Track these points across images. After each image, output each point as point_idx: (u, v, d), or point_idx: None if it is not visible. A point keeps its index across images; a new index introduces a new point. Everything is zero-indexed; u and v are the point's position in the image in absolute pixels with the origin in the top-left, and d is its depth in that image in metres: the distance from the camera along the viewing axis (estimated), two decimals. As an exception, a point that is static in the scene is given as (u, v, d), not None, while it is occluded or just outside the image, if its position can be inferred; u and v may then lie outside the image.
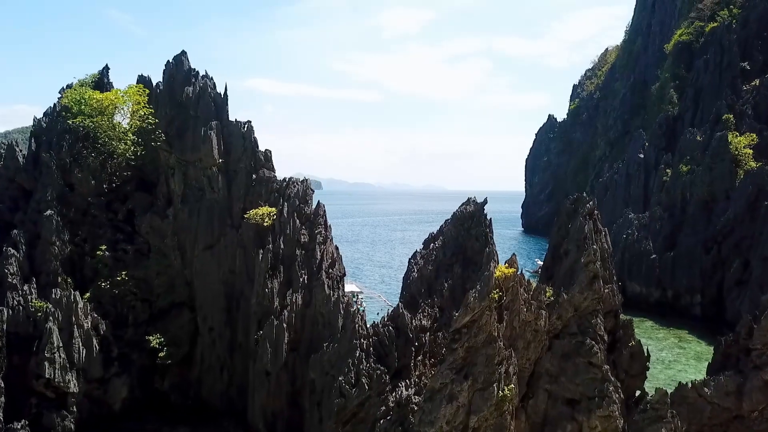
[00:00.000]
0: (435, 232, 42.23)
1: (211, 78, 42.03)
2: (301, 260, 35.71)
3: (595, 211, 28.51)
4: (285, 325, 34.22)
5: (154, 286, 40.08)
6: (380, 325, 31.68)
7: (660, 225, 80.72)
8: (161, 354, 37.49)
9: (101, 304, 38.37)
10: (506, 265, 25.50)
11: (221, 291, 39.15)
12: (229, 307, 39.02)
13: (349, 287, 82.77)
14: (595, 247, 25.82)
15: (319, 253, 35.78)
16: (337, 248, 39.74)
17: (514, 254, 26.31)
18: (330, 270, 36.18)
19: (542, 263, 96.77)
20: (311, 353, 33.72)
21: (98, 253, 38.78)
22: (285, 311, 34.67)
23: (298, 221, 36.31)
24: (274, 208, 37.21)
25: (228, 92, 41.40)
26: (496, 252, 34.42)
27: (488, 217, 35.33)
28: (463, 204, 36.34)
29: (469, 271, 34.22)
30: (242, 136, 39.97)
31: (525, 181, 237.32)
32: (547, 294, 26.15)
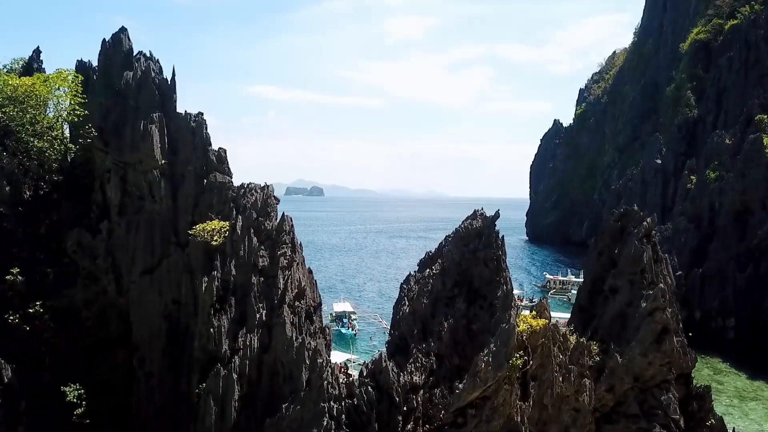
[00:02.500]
0: (432, 251, 34.28)
1: (157, 60, 34.12)
2: (258, 290, 27.68)
3: (654, 231, 20.43)
4: (235, 376, 26.17)
5: (81, 319, 32.05)
6: (356, 384, 23.65)
7: (685, 238, 72.62)
8: (79, 410, 29.39)
9: (11, 343, 30.34)
10: (533, 313, 17.44)
11: (163, 326, 31.05)
12: (171, 348, 30.92)
13: (342, 306, 74.66)
14: (662, 286, 17.76)
15: (282, 280, 27.74)
16: (310, 271, 31.70)
17: (543, 298, 18.36)
18: (296, 303, 28.12)
19: (551, 276, 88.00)
20: (270, 413, 25.72)
21: (8, 277, 30.76)
22: (236, 357, 26.62)
23: (255, 239, 28.28)
24: (227, 222, 29.21)
25: (176, 77, 33.47)
26: (510, 280, 26.48)
27: (500, 235, 27.34)
28: (468, 218, 28.30)
29: (476, 307, 26.18)
30: (191, 132, 32.03)
31: (530, 188, 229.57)
32: (592, 351, 18.11)
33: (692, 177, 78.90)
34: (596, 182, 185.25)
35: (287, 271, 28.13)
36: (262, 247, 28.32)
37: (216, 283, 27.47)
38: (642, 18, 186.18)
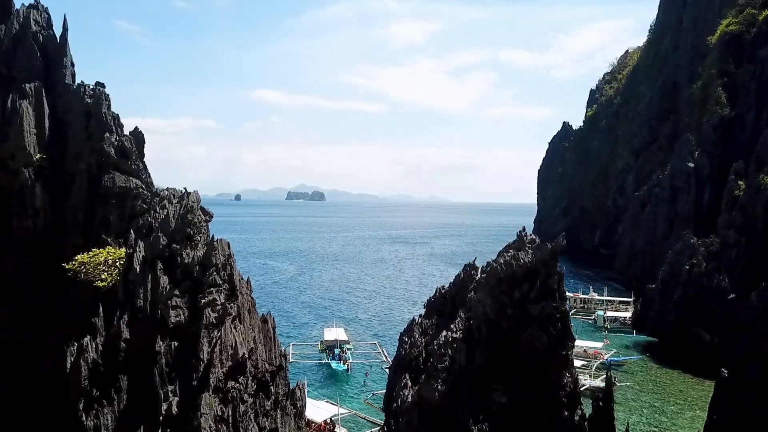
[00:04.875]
0: (445, 289, 23.67)
1: (45, 9, 23.50)
2: (168, 363, 16.97)
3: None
4: None
5: None
6: None
7: (736, 253, 61.71)
8: None
9: None
10: None
11: (36, 407, 20.41)
12: (49, 440, 20.31)
13: (334, 333, 63.29)
14: None
15: (206, 346, 17.04)
16: (265, 320, 21.04)
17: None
18: (231, 383, 17.41)
19: (571, 294, 76.83)
20: None
21: None
22: (125, 479, 15.91)
23: (166, 279, 17.59)
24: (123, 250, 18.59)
25: (68, 32, 22.84)
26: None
27: (561, 271, 16.68)
28: (509, 247, 17.57)
29: (525, 396, 15.47)
30: (85, 112, 21.43)
31: (537, 193, 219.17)
32: None
33: (740, 182, 68.12)
34: (609, 188, 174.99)
35: (216, 331, 17.44)
36: (177, 293, 17.63)
37: (93, 353, 16.75)
38: (657, 14, 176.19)
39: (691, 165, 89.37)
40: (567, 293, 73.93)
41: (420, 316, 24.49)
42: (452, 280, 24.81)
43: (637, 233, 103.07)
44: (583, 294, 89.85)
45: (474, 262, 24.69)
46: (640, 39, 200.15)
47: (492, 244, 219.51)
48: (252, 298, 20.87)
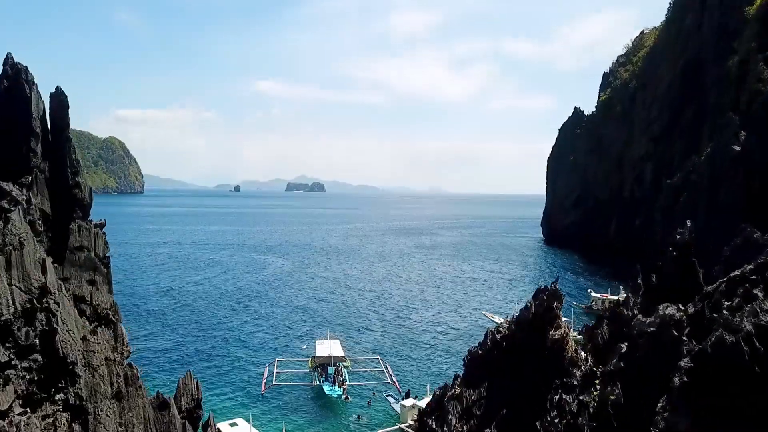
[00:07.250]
0: (501, 331, 12.89)
1: None
2: None
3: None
4: None
5: None
6: None
7: (816, 251, 50.95)
8: None
9: None
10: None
11: None
12: None
13: (328, 348, 51.90)
14: None
15: None
16: (167, 406, 10.53)
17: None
18: None
19: (597, 295, 65.62)
20: None
21: None
22: None
23: None
24: None
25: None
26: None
27: None
28: (757, 275, 6.02)
29: None
30: None
31: (546, 183, 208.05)
32: None
33: (811, 166, 57.30)
34: (625, 177, 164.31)
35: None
36: None
37: None
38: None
39: (737, 148, 78.59)
40: (593, 293, 62.47)
41: (456, 379, 13.71)
42: (513, 316, 14.14)
43: (671, 226, 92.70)
44: (613, 295, 78.70)
45: (555, 285, 13.92)
46: (644, 29, 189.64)
47: (507, 236, 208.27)
48: (131, 366, 10.12)
